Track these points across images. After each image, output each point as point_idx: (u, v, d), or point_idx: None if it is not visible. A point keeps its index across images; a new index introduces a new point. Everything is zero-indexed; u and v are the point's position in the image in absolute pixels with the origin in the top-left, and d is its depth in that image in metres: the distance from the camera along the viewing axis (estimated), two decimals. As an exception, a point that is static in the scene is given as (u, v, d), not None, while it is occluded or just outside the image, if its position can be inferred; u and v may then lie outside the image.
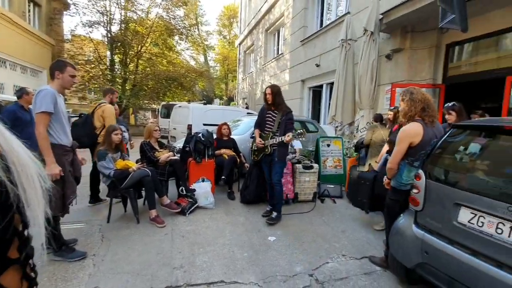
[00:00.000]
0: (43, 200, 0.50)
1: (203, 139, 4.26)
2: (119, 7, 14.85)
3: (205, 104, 9.10)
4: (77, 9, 13.65)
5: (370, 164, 3.96)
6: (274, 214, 3.53)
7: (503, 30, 4.11)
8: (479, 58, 4.61)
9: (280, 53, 12.23)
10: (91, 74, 14.49)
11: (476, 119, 3.22)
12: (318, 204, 4.34)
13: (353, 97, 5.71)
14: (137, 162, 3.84)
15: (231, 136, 4.97)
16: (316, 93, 9.60)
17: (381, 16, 5.06)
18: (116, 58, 15.94)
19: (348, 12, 6.85)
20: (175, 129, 8.10)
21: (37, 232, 0.52)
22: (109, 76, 14.95)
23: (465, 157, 2.06)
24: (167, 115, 9.94)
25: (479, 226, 1.71)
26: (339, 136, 5.57)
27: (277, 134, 3.45)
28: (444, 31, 4.78)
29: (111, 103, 4.08)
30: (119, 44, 15.02)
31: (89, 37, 14.55)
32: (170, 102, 12.95)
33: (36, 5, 11.17)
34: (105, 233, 3.06)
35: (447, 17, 3.32)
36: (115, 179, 3.22)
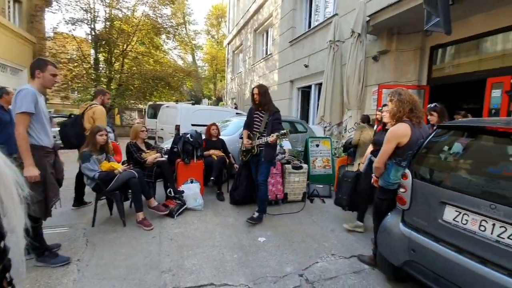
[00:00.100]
0: (21, 209, 0.46)
1: (191, 139, 4.20)
2: (104, 4, 14.50)
3: (193, 104, 8.98)
4: (59, 6, 13.25)
5: (359, 164, 4.02)
6: (256, 214, 3.48)
7: (483, 34, 4.27)
8: (461, 60, 4.78)
9: (269, 53, 12.26)
10: (74, 73, 14.07)
11: (460, 119, 3.33)
12: (308, 204, 4.37)
13: (341, 97, 5.78)
14: (123, 163, 3.74)
15: (220, 137, 4.93)
16: (305, 93, 9.68)
17: (368, 18, 5.15)
18: (101, 57, 15.56)
19: (336, 14, 6.95)
20: (162, 129, 7.96)
21: (16, 242, 0.49)
22: (93, 75, 14.56)
23: (450, 156, 2.12)
24: (154, 116, 9.76)
25: (464, 223, 1.75)
26: (327, 136, 5.62)
27: (264, 134, 3.45)
28: (429, 34, 4.93)
29: (103, 104, 3.99)
30: (103, 42, 14.66)
31: (72, 35, 14.13)
32: (157, 102, 12.73)
33: (16, 2, 10.73)
34: (90, 237, 2.96)
35: (432, 20, 3.41)
36: (100, 182, 3.12)
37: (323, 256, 2.75)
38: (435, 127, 2.30)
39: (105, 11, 14.85)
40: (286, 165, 4.39)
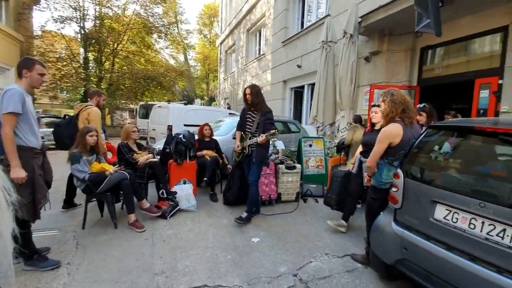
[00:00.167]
0: (8, 213, 0.45)
1: (184, 140, 4.16)
2: (93, 2, 14.23)
3: (185, 104, 8.92)
4: (47, 4, 12.96)
5: (352, 164, 4.05)
6: (245, 214, 3.47)
7: (472, 36, 4.37)
8: (451, 61, 4.88)
9: (261, 53, 12.27)
10: (63, 72, 13.79)
11: (450, 119, 3.39)
12: (301, 204, 4.39)
13: (334, 98, 5.83)
14: (114, 164, 3.68)
15: (213, 137, 4.90)
16: (298, 93, 9.72)
17: (360, 19, 5.21)
18: (90, 56, 15.29)
19: (328, 15, 7.00)
20: (154, 130, 7.88)
21: (3, 246, 0.47)
22: (82, 74, 14.28)
23: (440, 156, 2.16)
24: (145, 116, 9.65)
25: (454, 222, 1.78)
26: (320, 136, 5.66)
27: (256, 134, 3.44)
28: (419, 35, 5.02)
29: (98, 106, 3.93)
30: (93, 41, 14.40)
31: (61, 33, 13.85)
32: (149, 102, 12.59)
33: (3, -1, 10.43)
34: (80, 240, 2.90)
35: (423, 21, 3.47)
36: (91, 183, 3.06)
37: (317, 256, 2.76)
38: (425, 127, 2.34)
39: (94, 9, 14.60)
40: (280, 165, 4.40)
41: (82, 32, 14.34)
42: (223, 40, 18.58)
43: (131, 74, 15.33)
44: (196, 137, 4.67)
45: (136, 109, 14.22)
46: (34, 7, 12.45)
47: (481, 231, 1.64)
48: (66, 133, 3.51)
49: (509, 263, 1.50)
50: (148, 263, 2.52)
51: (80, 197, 3.65)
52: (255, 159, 3.41)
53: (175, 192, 3.83)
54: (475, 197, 1.68)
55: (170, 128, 6.80)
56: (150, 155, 3.95)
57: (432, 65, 5.25)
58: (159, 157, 4.31)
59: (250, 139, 3.48)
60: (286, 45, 9.59)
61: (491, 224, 1.60)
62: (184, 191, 3.87)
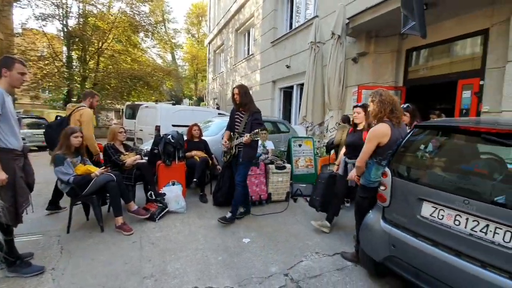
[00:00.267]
0: None
1: (173, 141, 4.10)
2: (77, -1, 13.85)
3: (174, 104, 8.78)
4: (28, 1, 12.51)
5: (337, 165, 4.09)
6: (229, 214, 3.45)
7: (454, 38, 4.52)
8: (435, 63, 5.03)
9: (250, 53, 12.27)
10: (44, 72, 13.36)
11: (435, 119, 3.49)
12: (291, 203, 4.40)
13: (322, 98, 5.89)
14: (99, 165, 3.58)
15: (202, 138, 4.86)
16: (287, 93, 9.78)
17: (347, 21, 5.28)
18: (74, 55, 14.87)
19: (317, 16, 7.07)
20: (141, 130, 7.73)
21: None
22: (66, 73, 13.86)
23: (426, 155, 2.21)
24: (132, 116, 9.43)
25: (440, 219, 1.83)
26: (310, 136, 5.70)
27: (243, 134, 3.43)
28: (405, 37, 5.14)
29: (91, 107, 3.83)
30: (77, 39, 14.02)
31: (43, 31, 13.40)
32: (136, 102, 12.33)
33: (-20, -5, 9.98)
34: (64, 245, 2.81)
35: (408, 24, 3.56)
36: (75, 186, 2.96)
37: (308, 255, 2.78)
38: (408, 127, 2.39)
39: (78, 6, 14.22)
40: (270, 165, 4.41)
41: (65, 30, 13.93)
42: (212, 40, 18.46)
43: (116, 73, 15.01)
44: (185, 137, 4.61)
45: (122, 109, 13.91)
46: (14, 4, 11.97)
47: (465, 227, 1.69)
48: (57, 135, 3.37)
49: (493, 258, 1.55)
50: (136, 266, 2.46)
51: (65, 200, 3.53)
52: (242, 159, 3.41)
53: (164, 194, 3.77)
54: (459, 194, 1.73)
55: (158, 128, 6.69)
56: (138, 156, 3.87)
57: (417, 66, 5.39)
58: (147, 158, 4.23)
59: (237, 139, 3.47)
60: (275, 46, 9.62)
61: (475, 220, 1.65)
62: (173, 193, 3.82)
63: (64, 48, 15.05)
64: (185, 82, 29.70)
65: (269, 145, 5.02)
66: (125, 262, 2.52)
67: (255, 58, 11.37)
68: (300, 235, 3.25)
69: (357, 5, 5.45)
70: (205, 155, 4.54)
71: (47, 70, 13.47)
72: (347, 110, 5.89)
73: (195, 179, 4.10)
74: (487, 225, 1.60)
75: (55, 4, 13.23)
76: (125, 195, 3.31)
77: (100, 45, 14.53)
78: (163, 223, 3.42)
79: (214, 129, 5.80)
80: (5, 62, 2.19)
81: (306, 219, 3.77)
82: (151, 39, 18.33)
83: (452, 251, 1.73)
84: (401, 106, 3.42)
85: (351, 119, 4.84)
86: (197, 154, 4.49)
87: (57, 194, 3.63)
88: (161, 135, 4.31)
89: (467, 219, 1.69)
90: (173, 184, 4.06)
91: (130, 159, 3.70)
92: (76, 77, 14.20)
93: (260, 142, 4.76)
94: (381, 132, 2.32)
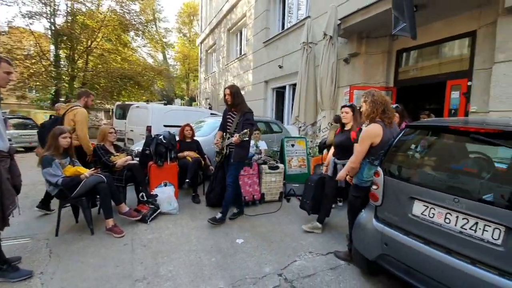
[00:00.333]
0: None
1: (164, 141, 4.05)
2: (65, -3, 13.55)
3: (165, 104, 8.68)
4: (15, -2, 12.14)
5: (326, 166, 4.09)
6: (219, 215, 3.43)
7: (443, 39, 4.62)
8: (424, 63, 5.12)
9: (243, 53, 12.24)
10: (31, 71, 13.02)
11: (425, 119, 3.55)
12: (285, 203, 4.41)
13: (315, 98, 5.92)
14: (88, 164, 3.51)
15: (195, 138, 4.82)
16: (280, 94, 9.80)
17: (339, 22, 5.33)
18: (62, 53, 14.54)
19: (309, 16, 7.11)
20: (132, 131, 7.61)
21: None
22: (53, 73, 13.54)
23: (417, 154, 2.25)
24: (122, 116, 9.27)
25: (431, 217, 1.86)
26: (302, 136, 5.72)
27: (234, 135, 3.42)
28: (395, 38, 5.22)
29: (86, 107, 3.77)
30: (65, 38, 13.71)
31: (30, 29, 13.05)
32: (126, 102, 12.15)
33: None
34: (53, 248, 2.74)
35: (399, 25, 3.61)
36: (64, 188, 2.89)
37: (301, 255, 2.78)
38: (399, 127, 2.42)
39: (66, 4, 13.92)
40: (263, 165, 4.40)
41: (53, 28, 13.60)
42: (204, 40, 18.35)
43: (106, 73, 14.75)
44: (177, 138, 4.57)
45: (112, 109, 13.68)
46: (0, 1, 11.65)
47: (455, 225, 1.72)
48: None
49: (482, 255, 1.58)
50: (128, 269, 2.42)
51: (55, 202, 3.44)
52: (232, 159, 3.40)
53: (156, 195, 3.72)
54: (449, 192, 1.77)
55: (149, 129, 6.60)
56: (129, 157, 3.81)
57: (407, 67, 5.49)
58: (138, 159, 4.17)
59: (228, 139, 3.46)
60: (267, 46, 9.63)
61: (464, 218, 1.69)
62: (165, 194, 3.77)
63: (52, 47, 14.72)
64: (176, 81, 29.43)
65: (262, 145, 5.01)
66: (116, 265, 2.48)
67: (248, 58, 11.36)
68: (293, 235, 3.26)
69: (348, 7, 5.50)
70: (198, 156, 4.50)
71: (34, 69, 13.14)
72: (339, 110, 5.92)
73: (187, 180, 4.06)
74: (476, 223, 1.64)
75: (43, 2, 12.91)
76: (116, 196, 3.25)
77: (89, 43, 14.26)
78: (155, 225, 3.38)
79: (207, 130, 5.76)
80: (-10, 61, 2.12)
81: (299, 219, 3.78)
82: (142, 38, 18.09)
83: (443, 248, 1.76)
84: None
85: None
86: (189, 154, 4.45)
87: (49, 194, 3.54)
88: (153, 136, 4.26)
89: (457, 217, 1.73)
90: (165, 185, 4.01)
91: (121, 160, 3.63)
92: (64, 77, 13.90)
93: (253, 142, 4.76)
94: (373, 133, 2.35)
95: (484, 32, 3.99)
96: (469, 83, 4.19)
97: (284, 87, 9.25)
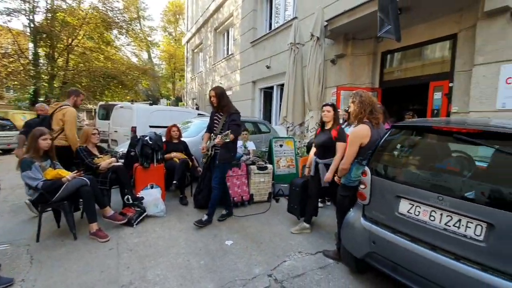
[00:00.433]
0: None
1: (150, 142, 3.96)
2: (45, -7, 13.04)
3: (151, 104, 8.50)
4: (-11, -7, 11.58)
5: (308, 168, 4.10)
6: (205, 217, 3.41)
7: (426, 42, 4.76)
8: (408, 65, 5.27)
9: (230, 53, 12.17)
10: (9, 70, 12.45)
11: (409, 119, 3.64)
12: (274, 204, 4.42)
13: (302, 98, 5.96)
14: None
15: (182, 139, 4.74)
16: (267, 94, 9.81)
17: (326, 23, 5.39)
18: (41, 52, 13.97)
19: (296, 17, 7.15)
20: (116, 132, 7.40)
21: None
22: (32, 71, 13.00)
23: (402, 153, 2.30)
24: (106, 117, 8.98)
25: (416, 215, 1.91)
26: (290, 136, 5.75)
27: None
28: (380, 40, 5.33)
29: (75, 106, 3.65)
30: (44, 35, 13.19)
31: (7, 26, 12.50)
32: (110, 102, 11.81)
33: None
34: (34, 254, 2.63)
35: (384, 27, 3.70)
36: (45, 191, 2.76)
37: (291, 255, 2.79)
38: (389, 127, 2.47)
39: (46, 1, 13.42)
40: (251, 166, 4.39)
41: (32, 25, 13.06)
42: (190, 39, 18.12)
43: (88, 71, 14.31)
44: (164, 139, 4.48)
45: (95, 109, 13.29)
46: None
47: (440, 222, 1.77)
48: None
49: (465, 251, 1.63)
50: (113, 274, 2.35)
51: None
52: (218, 161, 3.36)
53: (142, 198, 3.63)
54: (434, 191, 1.82)
55: (134, 130, 6.44)
56: (113, 159, 3.70)
57: (391, 69, 5.62)
58: (122, 160, 4.05)
59: (213, 140, 3.43)
60: (254, 46, 9.62)
61: (448, 216, 1.74)
62: (152, 196, 3.69)
63: (31, 45, 14.14)
64: (162, 81, 28.91)
65: (250, 145, 5.00)
66: (101, 270, 2.40)
67: (235, 58, 11.30)
68: (283, 235, 3.26)
69: (335, 8, 5.58)
70: (185, 157, 4.43)
71: (12, 68, 12.59)
72: (326, 110, 6.00)
73: (174, 181, 3.99)
74: (459, 220, 1.69)
75: (21, -2, 12.39)
76: (100, 199, 3.15)
77: (69, 41, 13.78)
78: (141, 228, 3.29)
79: (194, 130, 5.68)
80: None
81: (288, 219, 3.79)
82: (126, 36, 17.67)
83: (428, 245, 1.80)
84: None
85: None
86: (176, 155, 4.38)
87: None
88: (138, 137, 4.16)
89: (441, 214, 1.78)
90: (152, 187, 3.92)
91: (104, 162, 3.52)
92: (43, 76, 13.38)
93: (241, 143, 4.73)
94: (362, 134, 2.39)
95: (464, 36, 4.14)
96: (450, 84, 4.33)
97: (271, 88, 9.27)
